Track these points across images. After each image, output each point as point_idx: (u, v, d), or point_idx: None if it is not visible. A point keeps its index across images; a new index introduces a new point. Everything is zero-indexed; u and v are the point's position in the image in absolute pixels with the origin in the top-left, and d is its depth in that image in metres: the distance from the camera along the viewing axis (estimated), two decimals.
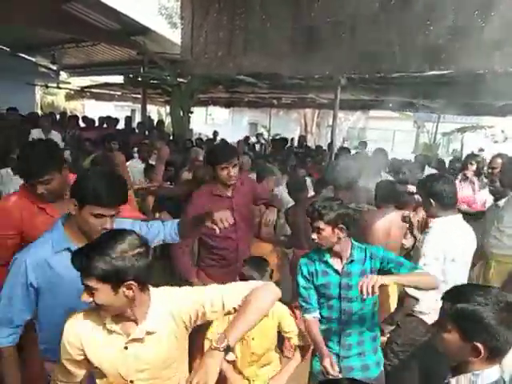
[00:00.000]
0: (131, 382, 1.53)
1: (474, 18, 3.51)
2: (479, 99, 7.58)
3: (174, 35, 9.19)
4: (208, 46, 6.42)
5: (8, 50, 11.08)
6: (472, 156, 6.13)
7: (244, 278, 2.21)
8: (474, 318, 1.31)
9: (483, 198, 5.16)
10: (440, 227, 2.61)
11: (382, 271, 2.17)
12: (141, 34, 8.28)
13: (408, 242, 3.82)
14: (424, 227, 3.62)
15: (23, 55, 11.69)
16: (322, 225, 2.13)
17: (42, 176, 1.99)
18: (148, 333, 1.50)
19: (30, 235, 2.01)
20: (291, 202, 4.40)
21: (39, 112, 12.14)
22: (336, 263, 2.23)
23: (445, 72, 4.63)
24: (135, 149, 6.47)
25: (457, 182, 5.54)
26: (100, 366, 1.52)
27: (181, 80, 8.69)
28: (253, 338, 2.26)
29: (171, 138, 8.98)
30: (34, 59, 12.06)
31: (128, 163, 5.30)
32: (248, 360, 2.32)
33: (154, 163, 5.26)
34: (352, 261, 2.20)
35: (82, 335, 1.51)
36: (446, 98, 7.71)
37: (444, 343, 1.40)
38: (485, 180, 5.57)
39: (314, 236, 2.18)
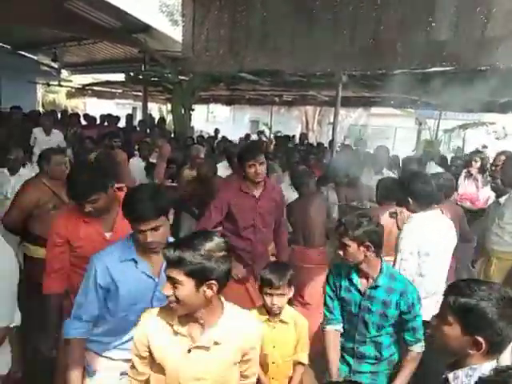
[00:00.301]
0: None
1: (476, 14, 3.50)
2: (481, 96, 7.56)
3: (175, 33, 9.17)
4: (209, 43, 6.41)
5: (9, 48, 11.10)
6: (476, 153, 6.12)
7: (262, 281, 2.20)
8: (477, 312, 1.32)
9: (486, 195, 5.16)
10: (415, 223, 2.70)
11: (399, 316, 2.13)
12: (142, 32, 8.29)
13: None
14: None
15: (25, 53, 11.71)
16: (347, 241, 2.08)
17: (89, 197, 2.17)
18: (215, 343, 1.51)
19: (75, 245, 2.28)
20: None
21: (41, 110, 12.16)
22: (361, 283, 2.16)
23: (447, 68, 4.62)
24: (136, 147, 6.47)
25: (460, 178, 5.54)
26: (162, 364, 1.55)
27: (182, 78, 8.70)
28: (273, 346, 2.19)
29: (172, 135, 8.98)
30: (35, 57, 12.08)
31: (130, 161, 5.32)
32: (268, 370, 2.24)
33: (155, 161, 5.28)
34: (377, 286, 2.12)
35: (149, 332, 1.55)
36: (447, 95, 7.69)
37: (444, 337, 1.41)
38: (489, 177, 5.57)
39: (340, 252, 2.15)
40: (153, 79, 9.83)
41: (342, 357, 2.26)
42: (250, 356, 1.62)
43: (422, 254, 2.62)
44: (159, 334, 1.54)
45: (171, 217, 4.39)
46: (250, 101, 13.52)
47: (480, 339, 1.32)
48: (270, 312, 2.21)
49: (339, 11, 4.75)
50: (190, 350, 1.51)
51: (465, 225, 3.70)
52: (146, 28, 8.17)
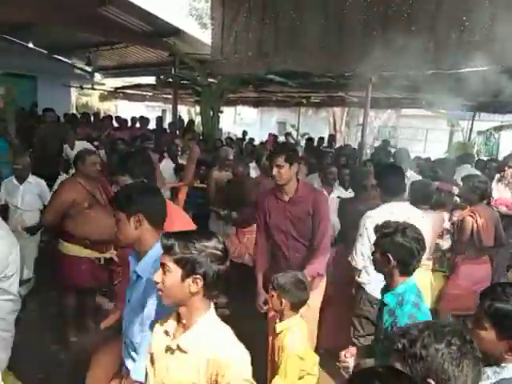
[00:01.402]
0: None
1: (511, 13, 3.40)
2: None
3: (205, 36, 9.28)
4: (238, 45, 6.46)
5: (46, 52, 11.49)
6: (511, 157, 5.94)
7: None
8: None
9: None
10: (376, 211, 2.96)
11: None
12: (172, 36, 8.43)
13: (445, 244, 3.76)
14: (459, 228, 3.56)
15: (60, 57, 12.11)
16: (375, 247, 2.03)
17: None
18: (178, 347, 1.48)
19: None
20: None
21: (75, 112, 12.53)
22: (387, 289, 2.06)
23: (480, 69, 4.50)
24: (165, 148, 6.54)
25: (494, 182, 5.40)
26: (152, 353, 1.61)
27: (211, 80, 8.79)
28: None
29: (201, 137, 9.09)
30: (70, 61, 12.48)
31: (162, 163, 5.43)
32: None
33: (184, 162, 5.37)
34: (383, 303, 2.00)
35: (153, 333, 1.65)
36: (481, 96, 7.47)
37: (479, 340, 1.38)
38: None
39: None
40: (182, 82, 9.97)
41: None
42: None
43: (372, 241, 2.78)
44: (157, 334, 1.61)
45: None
46: (277, 102, 13.51)
47: None
48: None
49: (369, 11, 4.71)
50: (166, 350, 1.52)
51: (500, 229, 3.62)
52: (176, 32, 8.30)
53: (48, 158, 4.90)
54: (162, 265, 1.48)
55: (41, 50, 11.25)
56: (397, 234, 1.94)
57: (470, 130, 12.19)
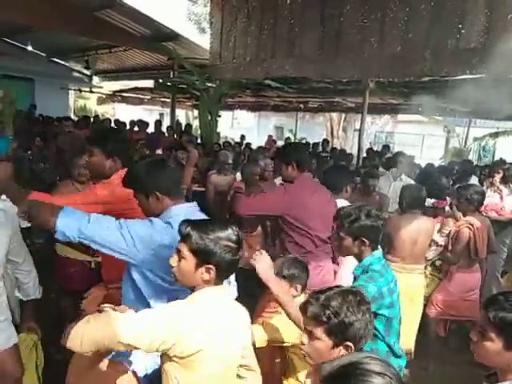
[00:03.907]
0: None
1: (508, 21, 3.45)
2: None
3: (203, 40, 9.33)
4: (236, 50, 6.51)
5: (44, 55, 11.51)
6: (499, 163, 6.01)
7: None
8: None
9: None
10: None
11: None
12: (171, 40, 8.47)
13: (430, 254, 3.78)
14: (456, 239, 3.58)
15: (58, 60, 12.13)
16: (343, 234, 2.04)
17: None
18: None
19: None
20: None
21: (72, 116, 12.52)
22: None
23: (476, 76, 4.55)
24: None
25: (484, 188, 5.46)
26: None
27: (209, 84, 8.83)
28: None
29: (199, 141, 9.10)
30: (68, 64, 12.50)
31: None
32: None
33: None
34: (354, 276, 2.14)
35: None
36: (477, 103, 7.55)
37: (485, 352, 1.38)
38: None
39: (335, 243, 2.21)
40: (181, 86, 10.00)
41: None
42: None
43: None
44: None
45: None
46: (275, 107, 13.56)
47: None
48: None
49: (367, 18, 4.76)
50: None
51: (492, 237, 3.68)
52: (175, 36, 8.35)
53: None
54: (178, 251, 1.54)
55: (39, 52, 11.27)
56: (362, 217, 1.99)
57: (466, 136, 12.29)
